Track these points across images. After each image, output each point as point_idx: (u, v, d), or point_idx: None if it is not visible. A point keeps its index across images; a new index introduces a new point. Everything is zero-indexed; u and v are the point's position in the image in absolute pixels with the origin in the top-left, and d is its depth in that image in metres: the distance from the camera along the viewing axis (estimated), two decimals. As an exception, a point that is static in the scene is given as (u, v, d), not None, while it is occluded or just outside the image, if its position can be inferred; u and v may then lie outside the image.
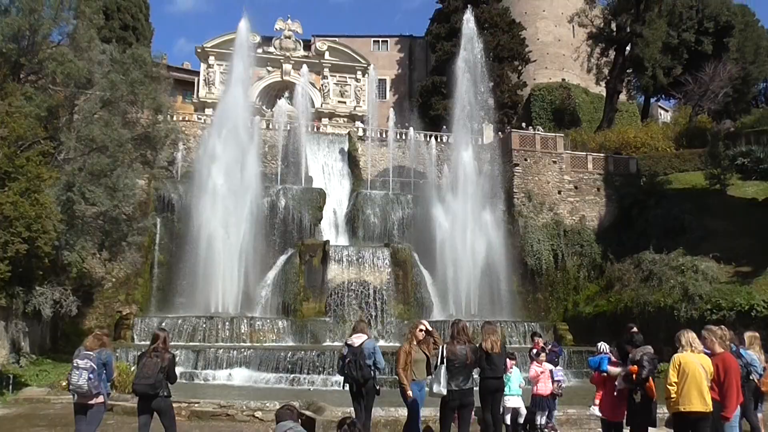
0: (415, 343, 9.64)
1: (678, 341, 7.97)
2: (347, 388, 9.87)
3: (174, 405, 12.64)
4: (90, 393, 7.99)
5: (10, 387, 15.27)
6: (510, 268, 32.46)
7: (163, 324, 25.26)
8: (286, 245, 32.10)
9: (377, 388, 9.68)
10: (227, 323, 25.69)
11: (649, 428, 9.17)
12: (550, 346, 12.84)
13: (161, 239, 31.25)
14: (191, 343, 23.99)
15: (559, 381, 12.73)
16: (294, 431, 5.65)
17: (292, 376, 20.38)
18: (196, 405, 12.43)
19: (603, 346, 10.44)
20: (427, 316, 29.10)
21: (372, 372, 9.57)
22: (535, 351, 12.47)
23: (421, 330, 9.77)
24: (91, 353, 8.16)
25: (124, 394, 14.11)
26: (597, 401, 9.45)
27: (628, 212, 34.97)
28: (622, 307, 27.91)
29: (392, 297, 29.64)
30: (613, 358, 9.68)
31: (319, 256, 30.13)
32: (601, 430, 10.02)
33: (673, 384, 7.70)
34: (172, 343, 23.64)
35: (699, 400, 7.63)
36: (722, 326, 9.47)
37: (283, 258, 31.37)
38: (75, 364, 8.08)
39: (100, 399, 8.18)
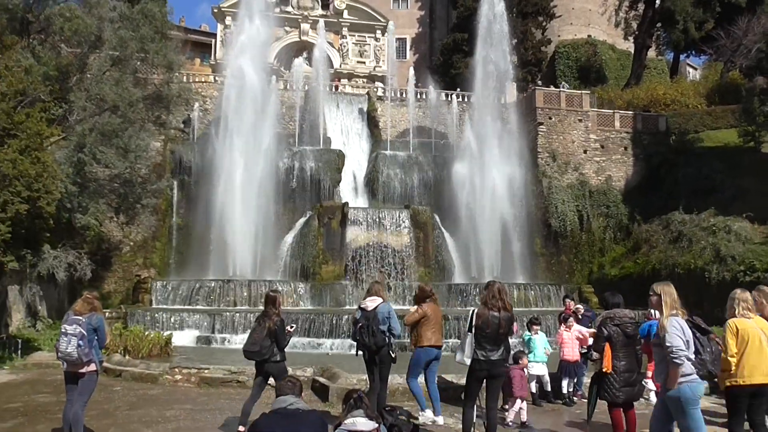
0: None
1: (731, 303, 6.91)
2: (360, 354, 9.22)
3: (183, 371, 12.35)
4: (80, 361, 7.37)
5: (19, 352, 14.96)
6: (533, 229, 31.73)
7: (180, 287, 25.09)
8: (305, 208, 31.54)
9: (393, 355, 8.97)
10: (245, 287, 25.31)
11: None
12: (582, 311, 12.07)
13: (179, 202, 30.90)
14: (208, 307, 23.66)
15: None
16: (295, 408, 4.93)
17: (310, 340, 19.94)
18: (206, 371, 11.95)
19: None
20: (448, 279, 28.60)
21: (386, 338, 8.84)
22: (564, 314, 11.74)
23: None
24: (81, 318, 7.50)
25: (134, 360, 13.72)
26: (650, 373, 8.38)
27: (657, 172, 33.80)
28: (650, 269, 27.02)
29: (413, 260, 28.99)
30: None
31: (337, 219, 29.46)
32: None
33: (734, 355, 6.70)
34: (190, 307, 23.61)
35: (760, 372, 6.67)
36: None
37: (301, 221, 30.84)
38: (63, 330, 7.42)
39: (92, 367, 7.55)
